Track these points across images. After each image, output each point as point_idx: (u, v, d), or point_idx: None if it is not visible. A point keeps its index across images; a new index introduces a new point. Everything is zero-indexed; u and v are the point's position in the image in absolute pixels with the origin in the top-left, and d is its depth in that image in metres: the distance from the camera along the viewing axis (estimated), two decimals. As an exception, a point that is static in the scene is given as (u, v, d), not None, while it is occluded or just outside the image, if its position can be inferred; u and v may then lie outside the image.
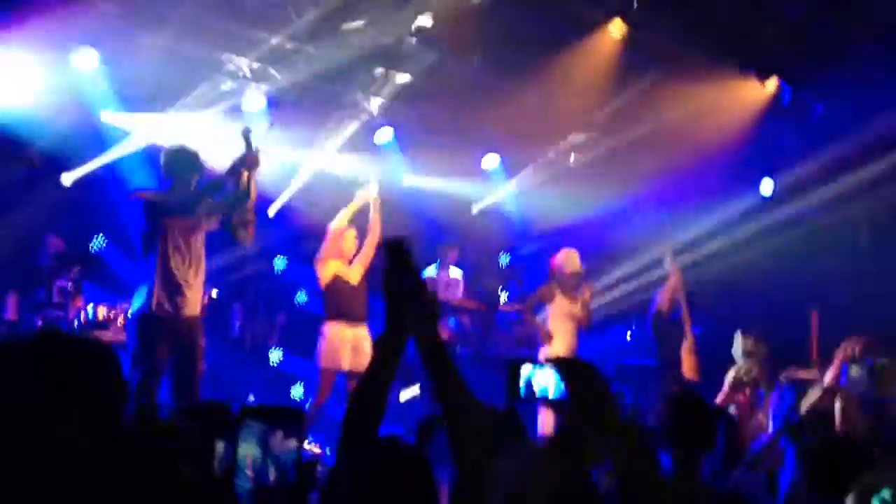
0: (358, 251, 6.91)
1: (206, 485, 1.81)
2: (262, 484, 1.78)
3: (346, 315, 6.66)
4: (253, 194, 5.51)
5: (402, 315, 2.07)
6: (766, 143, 9.41)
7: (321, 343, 6.64)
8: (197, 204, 5.44)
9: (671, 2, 7.17)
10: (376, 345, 2.16)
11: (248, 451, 1.80)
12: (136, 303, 5.43)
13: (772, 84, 8.44)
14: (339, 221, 6.81)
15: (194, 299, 5.47)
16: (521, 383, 1.90)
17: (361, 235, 7.03)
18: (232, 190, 5.50)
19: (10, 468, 1.33)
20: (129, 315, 5.62)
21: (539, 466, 1.83)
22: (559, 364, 1.81)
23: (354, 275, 6.83)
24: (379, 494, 1.87)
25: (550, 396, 1.89)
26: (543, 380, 1.89)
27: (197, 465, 1.98)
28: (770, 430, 4.99)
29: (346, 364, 6.54)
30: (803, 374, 7.95)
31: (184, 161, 5.53)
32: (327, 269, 6.75)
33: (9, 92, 7.29)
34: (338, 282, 6.74)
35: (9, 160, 4.84)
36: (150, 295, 5.34)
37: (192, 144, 5.78)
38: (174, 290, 5.35)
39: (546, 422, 6.73)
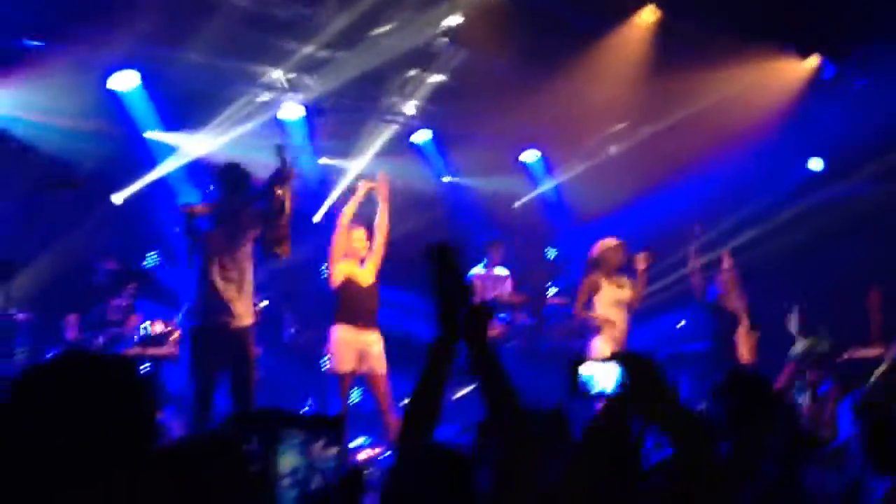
0: (369, 250, 6.71)
1: (249, 493, 1.85)
2: (305, 493, 1.81)
3: (353, 319, 6.52)
4: (287, 209, 5.53)
5: (453, 320, 2.09)
6: (809, 121, 9.23)
7: (330, 347, 6.57)
8: (237, 217, 5.54)
9: (703, -17, 7.07)
10: (428, 350, 2.18)
11: (288, 460, 1.84)
12: (186, 316, 5.56)
13: (812, 60, 8.27)
14: (344, 217, 6.59)
15: (242, 310, 5.55)
16: (580, 379, 1.93)
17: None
18: (266, 206, 5.53)
19: (37, 493, 1.36)
20: (180, 328, 5.73)
21: (578, 465, 1.84)
22: (618, 358, 1.83)
23: (366, 276, 6.65)
24: (428, 498, 1.89)
25: (608, 391, 1.91)
26: (602, 375, 1.92)
27: (248, 474, 2.03)
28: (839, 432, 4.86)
29: (351, 367, 6.45)
30: (866, 353, 7.81)
31: (231, 177, 5.63)
32: (338, 271, 6.58)
33: (53, 116, 7.54)
34: (349, 284, 6.57)
35: (54, 183, 4.98)
36: (197, 308, 5.47)
37: (240, 161, 5.85)
38: (220, 302, 5.46)
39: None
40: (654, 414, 1.81)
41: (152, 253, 8.91)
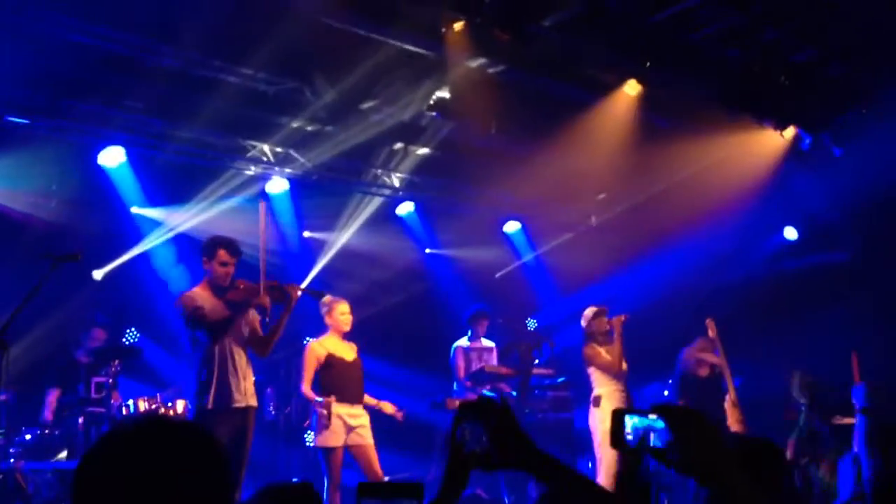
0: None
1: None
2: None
3: (340, 394, 6.42)
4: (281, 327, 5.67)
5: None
6: (788, 190, 9.46)
7: (316, 423, 6.43)
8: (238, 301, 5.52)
9: (683, 59, 7.28)
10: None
11: None
12: (198, 398, 5.42)
13: (789, 132, 8.51)
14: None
15: (250, 389, 5.54)
16: (625, 431, 1.88)
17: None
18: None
19: None
20: (189, 409, 5.62)
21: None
22: (664, 411, 1.78)
23: (349, 351, 6.65)
24: None
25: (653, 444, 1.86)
26: (646, 428, 1.87)
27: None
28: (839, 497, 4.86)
29: (340, 441, 6.34)
30: (847, 421, 7.83)
31: (220, 250, 5.57)
32: (319, 348, 6.53)
33: (42, 192, 7.50)
34: (332, 360, 6.52)
35: (55, 257, 4.89)
36: (210, 390, 5.37)
37: (229, 234, 5.83)
38: (231, 382, 5.41)
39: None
40: (708, 469, 1.76)
41: (132, 329, 8.80)
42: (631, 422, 1.86)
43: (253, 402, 5.56)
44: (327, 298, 6.80)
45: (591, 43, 6.99)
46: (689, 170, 8.58)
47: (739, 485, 1.68)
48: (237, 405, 5.43)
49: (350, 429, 6.40)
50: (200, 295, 5.54)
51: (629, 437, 1.85)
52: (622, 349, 7.24)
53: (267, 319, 5.65)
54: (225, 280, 5.56)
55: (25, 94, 6.89)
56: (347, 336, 6.71)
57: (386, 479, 6.59)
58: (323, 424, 6.39)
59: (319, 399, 6.38)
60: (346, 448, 6.41)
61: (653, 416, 1.82)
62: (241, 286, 5.59)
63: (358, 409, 6.51)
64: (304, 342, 9.62)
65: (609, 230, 10.03)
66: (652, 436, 1.81)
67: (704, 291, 9.67)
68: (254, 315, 5.66)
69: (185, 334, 5.53)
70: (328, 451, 6.36)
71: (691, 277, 9.77)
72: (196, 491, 1.39)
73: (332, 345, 6.59)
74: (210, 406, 5.37)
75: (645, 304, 9.42)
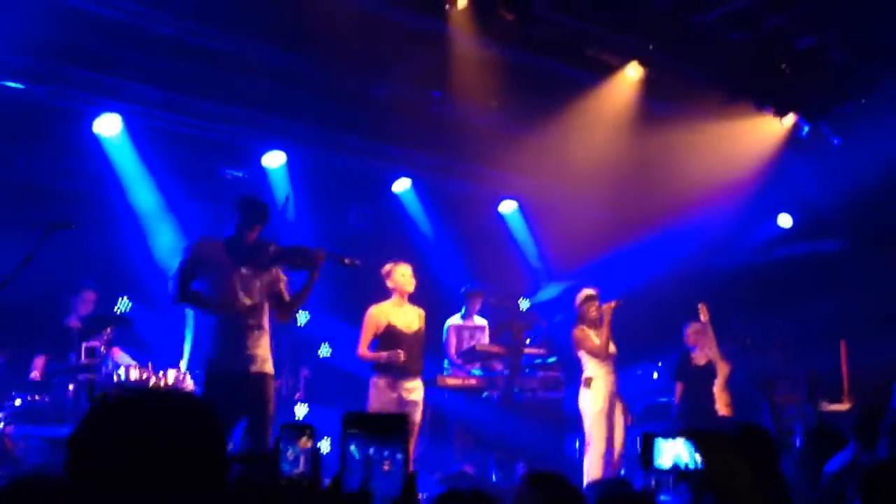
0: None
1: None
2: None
3: (396, 367, 6.26)
4: (309, 290, 5.31)
5: None
6: (785, 178, 9.46)
7: (370, 394, 6.32)
8: (258, 261, 5.23)
9: (686, 43, 7.26)
10: None
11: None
12: (200, 363, 5.25)
13: (789, 119, 8.50)
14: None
15: (263, 354, 5.20)
16: (654, 454, 1.93)
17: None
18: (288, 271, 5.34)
19: None
20: (194, 373, 5.39)
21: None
22: (693, 436, 1.84)
23: (409, 321, 6.42)
24: None
25: (683, 466, 1.91)
26: (674, 450, 1.93)
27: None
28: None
29: None
30: (835, 408, 7.90)
31: (249, 211, 5.24)
32: (381, 312, 6.35)
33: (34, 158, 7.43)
34: (391, 328, 6.34)
35: (50, 225, 4.88)
36: (210, 353, 5.16)
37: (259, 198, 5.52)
38: (237, 347, 5.13)
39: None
40: (732, 492, 1.81)
41: (124, 298, 8.76)
42: (661, 444, 1.91)
43: (267, 368, 5.21)
44: (389, 266, 6.59)
45: (595, 24, 6.96)
46: (687, 154, 8.55)
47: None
48: (247, 371, 5.11)
49: (403, 403, 6.25)
50: (215, 247, 5.22)
51: (659, 460, 1.90)
52: (609, 334, 7.26)
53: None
54: (248, 240, 5.20)
55: (22, 59, 6.81)
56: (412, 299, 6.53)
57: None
58: (376, 396, 6.24)
59: (384, 354, 6.16)
60: None
61: (681, 440, 1.87)
62: (268, 248, 5.26)
63: (414, 383, 6.36)
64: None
65: (604, 212, 10.02)
66: (682, 457, 1.86)
67: (697, 276, 9.71)
68: (277, 277, 5.32)
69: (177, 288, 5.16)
70: None
71: (685, 262, 9.80)
72: (188, 459, 1.39)
73: (393, 312, 6.39)
74: (214, 371, 5.12)
75: (638, 286, 9.46)
